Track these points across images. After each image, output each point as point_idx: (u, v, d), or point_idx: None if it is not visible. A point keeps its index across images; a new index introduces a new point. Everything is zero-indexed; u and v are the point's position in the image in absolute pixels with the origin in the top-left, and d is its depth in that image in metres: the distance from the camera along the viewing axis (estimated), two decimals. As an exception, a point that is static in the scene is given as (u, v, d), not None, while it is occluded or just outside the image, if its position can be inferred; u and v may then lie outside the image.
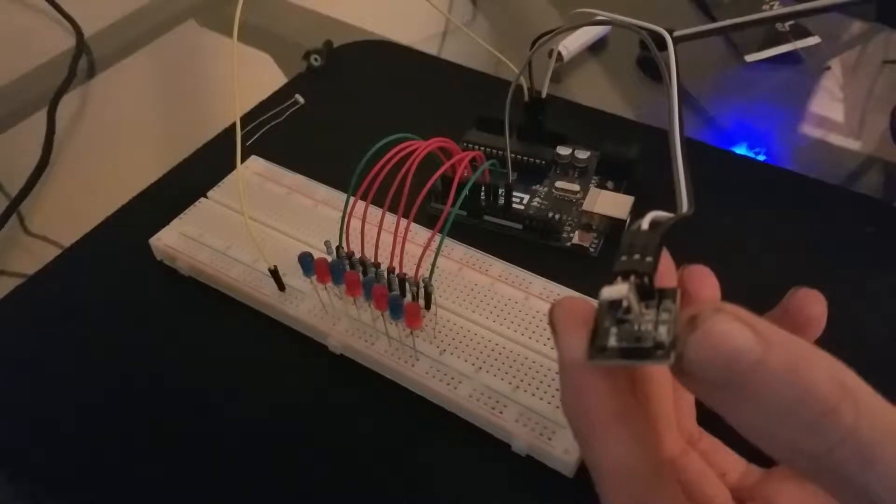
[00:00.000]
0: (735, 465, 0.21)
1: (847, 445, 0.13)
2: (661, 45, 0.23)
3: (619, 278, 0.15)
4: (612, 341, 0.15)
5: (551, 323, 0.16)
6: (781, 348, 0.13)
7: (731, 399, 0.14)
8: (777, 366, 0.13)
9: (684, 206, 0.17)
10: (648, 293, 0.15)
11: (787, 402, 0.13)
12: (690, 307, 0.14)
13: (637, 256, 0.15)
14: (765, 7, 0.46)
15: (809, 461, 0.13)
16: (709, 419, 0.21)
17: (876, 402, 0.13)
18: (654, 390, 0.19)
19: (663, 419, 0.20)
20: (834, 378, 0.13)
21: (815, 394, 0.13)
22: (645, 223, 0.16)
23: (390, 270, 0.27)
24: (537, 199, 0.34)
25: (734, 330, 0.13)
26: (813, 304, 0.18)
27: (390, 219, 0.26)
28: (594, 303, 0.16)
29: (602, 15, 0.28)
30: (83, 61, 0.45)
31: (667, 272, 0.18)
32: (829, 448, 0.13)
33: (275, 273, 0.29)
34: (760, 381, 0.13)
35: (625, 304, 0.15)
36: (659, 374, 0.20)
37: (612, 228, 0.32)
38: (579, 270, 0.30)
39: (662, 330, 0.15)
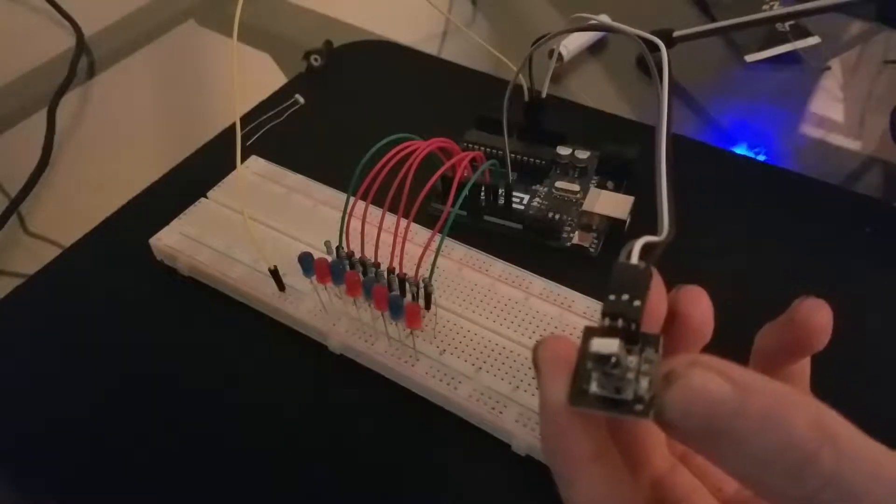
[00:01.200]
0: (730, 479, 0.21)
1: (830, 490, 0.13)
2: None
3: (608, 320, 0.15)
4: (594, 387, 0.15)
5: (535, 363, 0.17)
6: (758, 396, 0.13)
7: (714, 449, 0.14)
8: (755, 415, 0.13)
9: (664, 229, 0.17)
10: (633, 339, 0.15)
11: (768, 450, 0.13)
12: (665, 362, 0.14)
13: (626, 297, 0.15)
14: (765, 7, 0.46)
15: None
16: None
17: (858, 442, 0.13)
18: None
19: (650, 436, 0.20)
20: (813, 423, 0.13)
21: (795, 441, 0.13)
22: (635, 256, 0.16)
23: (390, 270, 0.27)
24: (537, 199, 0.34)
25: (709, 383, 0.13)
26: (819, 314, 0.18)
27: (390, 219, 0.26)
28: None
29: (597, 20, 0.28)
30: (83, 61, 0.45)
31: (657, 296, 0.18)
32: (813, 492, 0.13)
33: (275, 273, 0.29)
34: (739, 430, 0.13)
35: (613, 360, 0.15)
36: None
37: (612, 228, 0.32)
38: (579, 270, 0.30)
39: (644, 383, 0.15)
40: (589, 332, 0.16)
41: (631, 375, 0.15)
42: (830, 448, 0.13)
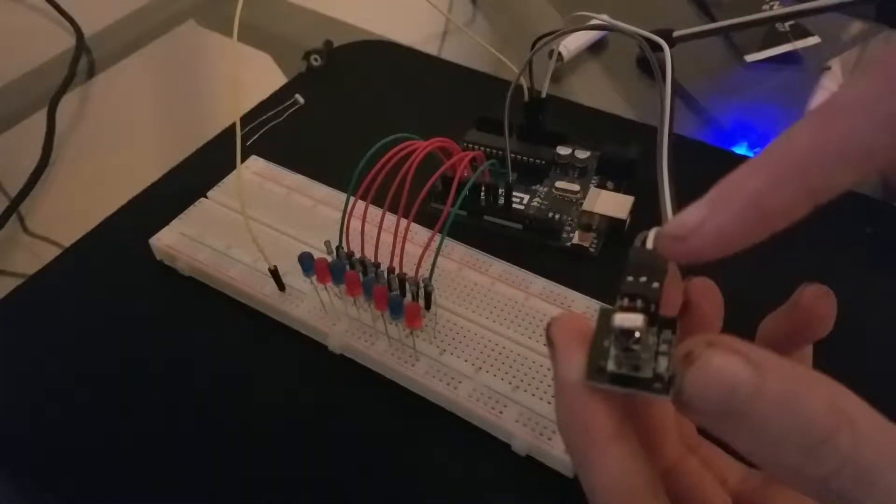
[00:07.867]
0: (735, 471, 0.21)
1: (846, 471, 0.13)
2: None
3: (626, 300, 0.15)
4: (611, 364, 0.15)
5: (549, 339, 0.16)
6: (777, 377, 0.13)
7: (731, 429, 0.14)
8: (773, 395, 0.13)
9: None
10: (652, 319, 0.15)
11: (785, 430, 0.13)
12: (684, 343, 0.14)
13: (644, 279, 0.15)
14: (765, 7, 0.46)
15: (812, 485, 0.13)
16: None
17: (876, 423, 0.13)
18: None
19: (662, 426, 0.20)
20: (830, 404, 0.13)
21: (812, 421, 0.13)
22: (650, 242, 0.16)
23: (390, 270, 0.27)
24: (537, 199, 0.34)
25: (728, 363, 0.13)
26: (823, 301, 0.18)
27: (390, 219, 0.26)
28: (593, 315, 0.16)
29: (599, 19, 0.28)
30: (83, 61, 0.45)
31: (673, 287, 0.18)
32: (829, 473, 0.13)
33: (275, 273, 0.29)
34: (757, 411, 0.13)
35: (637, 335, 0.15)
36: None
37: (612, 228, 0.32)
38: (579, 270, 0.30)
39: (662, 362, 0.15)
40: (606, 312, 0.16)
41: (649, 355, 0.15)
42: (848, 428, 0.13)
